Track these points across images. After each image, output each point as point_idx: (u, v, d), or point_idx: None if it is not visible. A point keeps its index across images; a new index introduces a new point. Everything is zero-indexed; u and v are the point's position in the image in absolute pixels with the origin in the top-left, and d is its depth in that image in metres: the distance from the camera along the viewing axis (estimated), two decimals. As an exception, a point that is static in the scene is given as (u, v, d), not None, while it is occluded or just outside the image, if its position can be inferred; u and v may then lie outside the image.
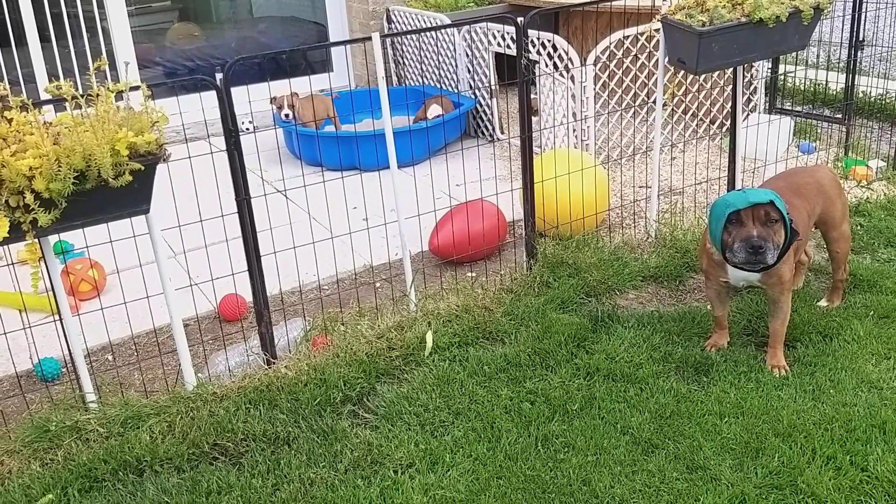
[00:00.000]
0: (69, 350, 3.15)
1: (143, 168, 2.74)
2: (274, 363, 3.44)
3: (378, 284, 4.24)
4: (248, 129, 6.06)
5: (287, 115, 5.87)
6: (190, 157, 3.31)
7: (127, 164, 2.69)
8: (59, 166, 2.59)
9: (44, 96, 2.82)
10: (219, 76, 3.13)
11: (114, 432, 3.03)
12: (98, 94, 2.75)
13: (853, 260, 4.05)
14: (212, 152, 3.35)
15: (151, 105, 2.83)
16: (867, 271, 3.95)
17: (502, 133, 6.23)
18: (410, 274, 3.86)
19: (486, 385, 3.26)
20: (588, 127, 5.42)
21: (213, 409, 3.13)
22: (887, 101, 6.08)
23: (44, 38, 6.32)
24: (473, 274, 4.29)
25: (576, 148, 5.43)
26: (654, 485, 2.72)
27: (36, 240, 2.71)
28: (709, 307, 3.59)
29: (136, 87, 2.88)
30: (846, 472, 2.70)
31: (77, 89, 2.76)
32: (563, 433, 2.97)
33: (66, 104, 2.74)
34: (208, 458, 2.97)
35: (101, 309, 3.49)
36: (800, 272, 3.85)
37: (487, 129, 6.31)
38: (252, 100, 3.86)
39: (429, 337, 3.52)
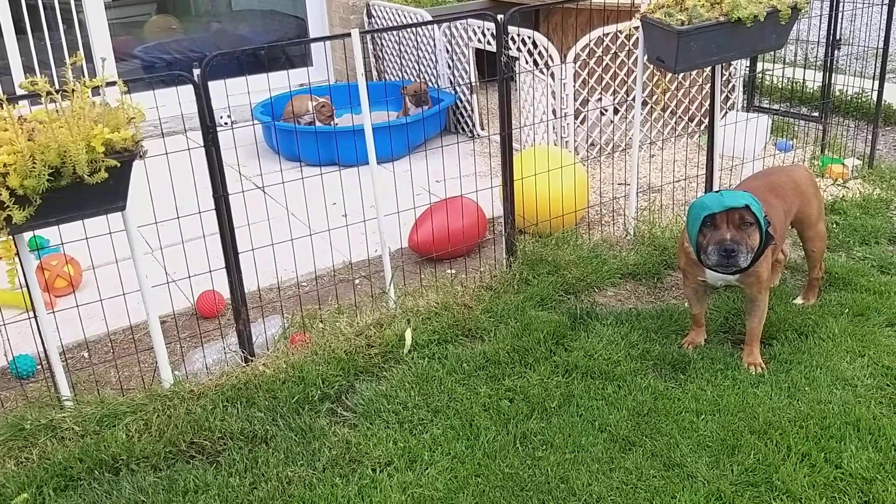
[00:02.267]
0: (44, 347, 3.11)
1: (119, 165, 2.72)
2: (252, 361, 3.42)
3: (357, 281, 4.23)
4: (226, 123, 6.02)
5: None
6: (167, 153, 3.28)
7: (103, 161, 2.67)
8: (34, 163, 2.56)
9: (19, 91, 2.78)
10: (196, 71, 3.10)
11: (89, 431, 3.01)
12: (74, 90, 2.72)
13: (829, 258, 4.09)
14: (189, 148, 3.32)
15: (128, 101, 2.80)
16: (842, 269, 3.99)
17: (482, 130, 6.23)
18: (390, 271, 3.85)
19: (464, 383, 3.26)
20: (568, 124, 5.43)
21: (190, 407, 3.11)
22: (863, 99, 6.13)
23: (19, 30, 6.23)
24: (453, 271, 4.29)
25: (555, 145, 5.44)
26: (632, 482, 2.73)
27: (10, 237, 2.68)
28: (686, 305, 3.61)
29: (113, 83, 2.85)
30: (820, 469, 2.73)
31: (53, 83, 2.73)
32: (541, 431, 2.98)
33: (42, 99, 2.71)
34: (185, 456, 2.95)
35: (77, 306, 3.46)
36: (776, 270, 3.88)
37: (468, 126, 6.31)
38: (230, 94, 3.82)
39: (408, 334, 3.51)
